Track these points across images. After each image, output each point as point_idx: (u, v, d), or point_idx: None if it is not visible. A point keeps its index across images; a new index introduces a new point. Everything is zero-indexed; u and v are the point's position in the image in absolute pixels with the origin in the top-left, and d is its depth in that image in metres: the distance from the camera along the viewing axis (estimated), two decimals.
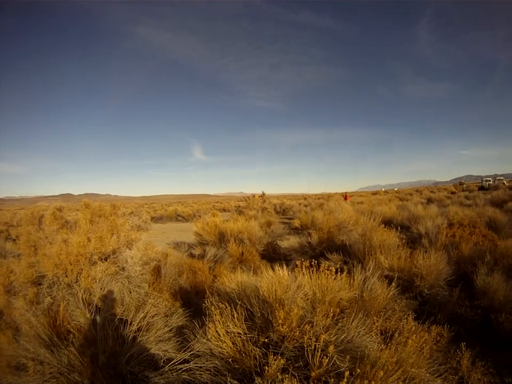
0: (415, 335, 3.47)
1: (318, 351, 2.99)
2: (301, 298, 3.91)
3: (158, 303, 5.41)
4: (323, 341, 3.07)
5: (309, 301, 4.04)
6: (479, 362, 4.11)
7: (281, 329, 3.33)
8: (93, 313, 4.57)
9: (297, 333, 3.33)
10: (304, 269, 4.39)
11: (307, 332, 3.28)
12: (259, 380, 2.96)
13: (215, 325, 3.51)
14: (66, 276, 5.24)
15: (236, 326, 3.54)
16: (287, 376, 2.84)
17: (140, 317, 4.28)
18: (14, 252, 6.18)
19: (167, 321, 4.59)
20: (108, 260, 5.85)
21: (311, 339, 3.20)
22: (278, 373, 2.92)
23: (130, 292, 5.54)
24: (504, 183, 47.76)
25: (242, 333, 3.50)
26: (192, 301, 6.29)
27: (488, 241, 8.23)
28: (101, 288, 5.15)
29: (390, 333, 3.92)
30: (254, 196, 31.43)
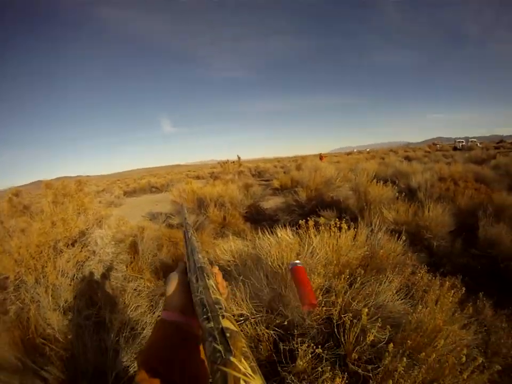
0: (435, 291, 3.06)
1: (352, 325, 2.39)
2: (317, 263, 3.23)
3: (139, 286, 4.73)
4: (353, 311, 2.47)
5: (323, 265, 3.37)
6: (501, 310, 4.03)
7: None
8: (67, 315, 3.78)
9: (323, 308, 2.68)
10: (311, 229, 3.72)
11: (335, 303, 2.63)
12: (290, 376, 2.28)
13: None
14: (30, 274, 4.34)
15: (240, 307, 2.87)
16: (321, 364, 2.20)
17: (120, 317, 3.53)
18: None
19: (154, 312, 3.88)
20: (76, 245, 5.08)
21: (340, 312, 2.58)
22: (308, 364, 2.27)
23: (106, 279, 4.82)
24: (477, 144, 49.24)
25: (249, 315, 2.82)
26: None
27: (482, 194, 8.19)
28: (71, 281, 4.32)
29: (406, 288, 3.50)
30: (227, 161, 31.03)
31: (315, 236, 3.67)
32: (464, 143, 53.33)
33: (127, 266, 5.32)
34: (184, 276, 0.97)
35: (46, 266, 4.40)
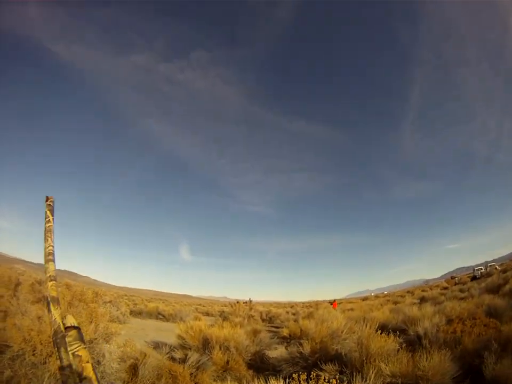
0: None
1: None
2: None
3: None
4: None
5: None
6: None
7: None
8: None
9: None
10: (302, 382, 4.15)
11: None
12: None
13: None
14: (34, 355, 4.89)
15: None
16: None
17: None
18: None
19: None
20: None
21: None
22: None
23: None
24: (496, 268, 48.28)
25: None
26: None
27: (491, 329, 8.29)
28: None
29: None
30: (238, 302, 31.23)
31: None
32: (483, 270, 52.44)
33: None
34: None
35: (51, 356, 4.91)
